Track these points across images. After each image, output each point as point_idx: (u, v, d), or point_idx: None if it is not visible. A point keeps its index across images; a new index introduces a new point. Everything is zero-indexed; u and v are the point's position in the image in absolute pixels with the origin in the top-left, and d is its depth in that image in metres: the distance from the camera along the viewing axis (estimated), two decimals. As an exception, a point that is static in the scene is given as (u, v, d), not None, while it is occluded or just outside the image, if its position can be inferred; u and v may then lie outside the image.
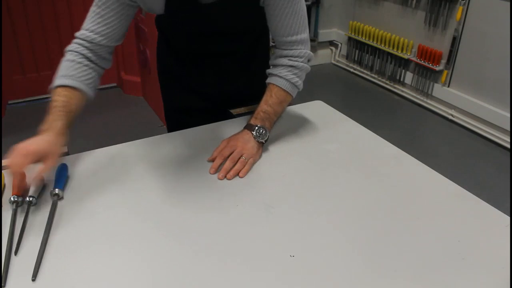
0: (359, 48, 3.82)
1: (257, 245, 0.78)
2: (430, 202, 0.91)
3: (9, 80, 3.10)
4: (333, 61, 4.15)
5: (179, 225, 0.82)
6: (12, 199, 0.84)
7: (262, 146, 1.06)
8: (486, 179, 2.49)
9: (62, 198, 0.88)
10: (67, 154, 1.02)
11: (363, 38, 3.69)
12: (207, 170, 0.98)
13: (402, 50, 3.38)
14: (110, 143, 1.07)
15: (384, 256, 0.76)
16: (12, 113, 3.04)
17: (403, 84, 3.49)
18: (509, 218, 0.86)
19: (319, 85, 3.68)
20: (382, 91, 3.62)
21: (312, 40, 3.83)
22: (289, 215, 0.86)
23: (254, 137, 1.03)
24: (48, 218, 0.81)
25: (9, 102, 3.17)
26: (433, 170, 1.01)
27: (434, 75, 3.20)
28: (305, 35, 1.08)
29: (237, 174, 0.97)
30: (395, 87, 3.55)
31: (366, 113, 3.21)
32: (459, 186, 0.95)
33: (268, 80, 1.10)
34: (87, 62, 1.01)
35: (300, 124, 1.20)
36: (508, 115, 2.71)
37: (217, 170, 0.98)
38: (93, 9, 1.00)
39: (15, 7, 2.96)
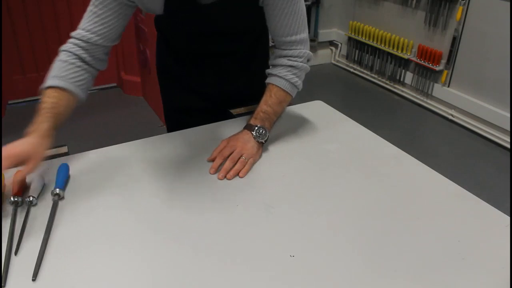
0: (359, 48, 3.81)
1: (257, 245, 0.78)
2: (430, 202, 0.91)
3: (9, 80, 3.10)
4: (333, 61, 4.15)
5: (179, 225, 0.82)
6: (12, 199, 0.84)
7: (262, 146, 1.06)
8: (486, 179, 2.49)
9: (62, 198, 0.88)
10: (67, 154, 1.02)
11: (363, 38, 3.69)
12: (207, 170, 0.98)
13: (402, 50, 3.38)
14: (110, 143, 1.07)
15: (384, 256, 0.76)
16: (12, 113, 3.04)
17: (403, 84, 3.49)
18: (509, 218, 0.86)
19: (319, 85, 3.68)
20: (382, 91, 3.62)
21: (312, 40, 3.83)
22: (289, 215, 0.86)
23: (254, 137, 1.03)
24: (49, 218, 0.81)
25: (9, 102, 3.17)
26: (433, 170, 1.01)
27: (434, 75, 3.20)
28: (305, 35, 1.07)
29: (237, 174, 0.97)
30: (395, 87, 3.55)
31: (366, 113, 3.21)
32: (459, 186, 0.95)
33: (268, 80, 1.10)
34: (80, 63, 0.99)
35: (300, 124, 1.20)
36: (508, 115, 2.71)
37: (217, 170, 0.98)
38: (90, 8, 0.99)
39: (15, 7, 2.96)
